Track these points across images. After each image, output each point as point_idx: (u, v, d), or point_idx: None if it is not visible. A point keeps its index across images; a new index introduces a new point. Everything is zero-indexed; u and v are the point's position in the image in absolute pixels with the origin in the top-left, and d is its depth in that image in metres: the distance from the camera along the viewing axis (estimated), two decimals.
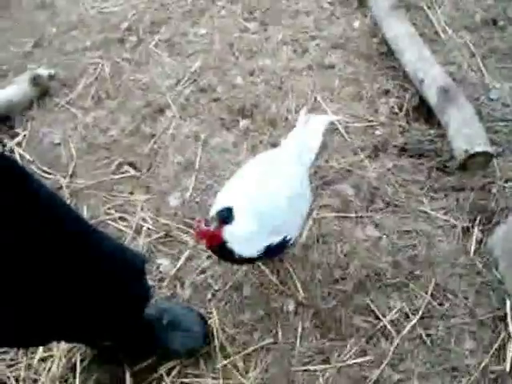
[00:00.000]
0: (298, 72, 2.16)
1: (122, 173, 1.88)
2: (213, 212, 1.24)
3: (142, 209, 1.77)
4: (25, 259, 0.91)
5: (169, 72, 2.21)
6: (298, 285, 1.53)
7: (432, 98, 1.90)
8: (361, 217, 1.67)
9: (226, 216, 1.20)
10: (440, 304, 1.50)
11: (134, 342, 1.36)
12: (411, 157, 1.82)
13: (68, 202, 1.79)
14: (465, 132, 1.74)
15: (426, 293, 1.51)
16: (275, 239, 1.30)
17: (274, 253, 1.37)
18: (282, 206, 1.31)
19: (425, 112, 1.95)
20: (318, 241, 1.62)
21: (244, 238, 1.23)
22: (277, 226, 1.30)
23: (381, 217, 1.67)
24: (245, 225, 1.22)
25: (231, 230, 1.20)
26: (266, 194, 1.31)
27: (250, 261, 1.37)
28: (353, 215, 1.68)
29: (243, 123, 1.99)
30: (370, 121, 1.94)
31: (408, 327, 1.45)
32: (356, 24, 2.33)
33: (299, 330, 1.46)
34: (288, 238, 1.34)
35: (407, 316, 1.48)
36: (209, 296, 1.55)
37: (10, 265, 0.89)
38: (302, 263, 1.58)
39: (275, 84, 2.12)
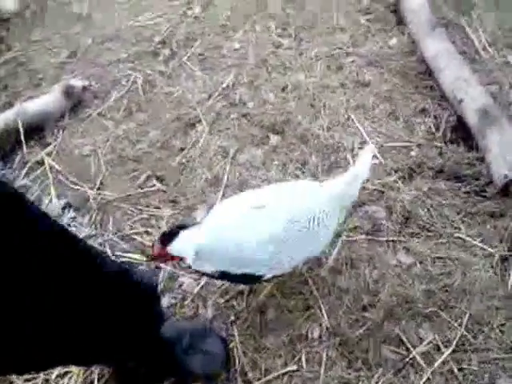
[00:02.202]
0: (332, 89, 2.12)
1: (150, 186, 1.86)
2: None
3: (167, 223, 1.74)
4: (26, 286, 0.88)
5: (201, 86, 2.19)
6: (324, 310, 1.47)
7: (471, 118, 1.83)
8: (393, 241, 1.60)
9: (167, 238, 1.28)
10: (474, 337, 1.42)
11: (153, 363, 1.31)
12: (448, 180, 1.74)
13: (94, 214, 1.78)
14: (505, 156, 1.66)
15: (460, 325, 1.43)
16: (235, 270, 1.30)
17: (236, 280, 1.41)
18: (251, 244, 1.28)
19: (463, 133, 1.87)
20: (346, 264, 1.56)
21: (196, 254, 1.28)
22: (237, 259, 1.29)
23: (414, 242, 1.60)
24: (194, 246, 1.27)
25: (176, 246, 1.28)
26: (240, 227, 1.29)
27: (218, 277, 1.36)
28: (384, 239, 1.61)
29: (273, 140, 1.95)
30: (405, 141, 1.87)
31: (439, 360, 1.38)
32: (393, 41, 2.28)
33: (324, 358, 1.39)
34: (258, 274, 1.32)
35: (439, 348, 1.40)
36: (231, 317, 1.50)
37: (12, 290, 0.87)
38: (329, 287, 1.51)
39: (308, 101, 2.07)
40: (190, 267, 1.33)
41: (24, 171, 1.96)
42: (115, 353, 1.16)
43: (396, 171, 1.77)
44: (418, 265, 1.54)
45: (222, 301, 1.54)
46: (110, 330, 1.07)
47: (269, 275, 1.36)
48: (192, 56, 2.33)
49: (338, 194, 1.37)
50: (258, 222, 1.29)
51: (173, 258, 1.31)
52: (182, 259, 1.31)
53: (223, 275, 1.33)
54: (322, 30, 2.42)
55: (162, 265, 1.62)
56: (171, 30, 2.45)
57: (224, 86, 2.17)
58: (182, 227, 1.29)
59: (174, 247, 1.28)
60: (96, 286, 1.02)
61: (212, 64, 2.29)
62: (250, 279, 1.37)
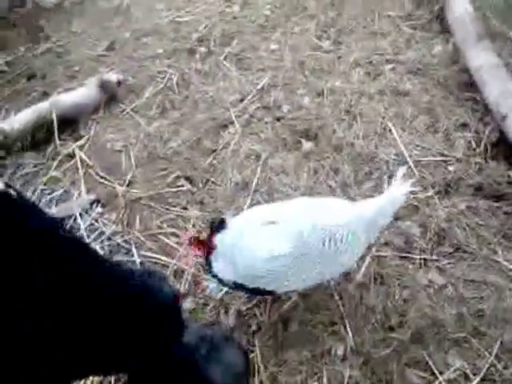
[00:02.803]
0: (370, 96, 2.06)
1: (178, 186, 1.84)
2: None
3: (193, 225, 1.71)
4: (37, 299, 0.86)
5: (236, 86, 2.16)
6: (349, 327, 1.42)
7: None
8: (425, 259, 1.55)
9: (216, 226, 1.28)
10: (504, 367, 1.35)
11: (171, 370, 1.29)
12: (486, 198, 1.67)
13: (121, 211, 1.77)
14: None
15: (490, 353, 1.36)
16: (248, 284, 1.29)
17: (248, 292, 1.39)
18: (260, 260, 1.25)
19: (505, 150, 1.79)
20: (375, 281, 1.51)
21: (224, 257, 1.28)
22: (248, 275, 1.28)
23: (447, 262, 1.53)
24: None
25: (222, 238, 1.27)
26: (252, 243, 1.27)
27: (234, 287, 1.35)
28: (417, 257, 1.55)
29: (306, 146, 1.91)
30: (443, 155, 1.81)
31: None
32: (436, 50, 2.20)
33: (346, 377, 1.35)
34: (269, 289, 1.30)
35: (466, 376, 1.34)
36: (253, 327, 1.46)
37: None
38: (356, 304, 1.47)
39: (344, 107, 2.02)
40: (211, 272, 1.32)
41: (55, 163, 1.97)
42: (131, 362, 1.14)
43: (433, 187, 1.71)
44: (450, 287, 1.48)
45: (244, 309, 1.50)
46: (126, 341, 1.04)
47: (280, 291, 1.34)
48: (229, 55, 2.31)
49: (368, 217, 1.31)
50: (270, 238, 1.26)
51: (211, 247, 1.29)
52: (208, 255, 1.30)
53: (239, 286, 1.32)
54: (363, 35, 2.36)
55: (186, 266, 1.60)
56: (209, 27, 2.43)
57: (259, 87, 2.14)
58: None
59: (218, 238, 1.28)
60: (108, 299, 0.99)
61: (248, 65, 2.26)
62: (264, 292, 1.34)
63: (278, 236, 1.26)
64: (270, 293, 1.34)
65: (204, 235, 1.30)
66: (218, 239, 1.28)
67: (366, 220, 1.30)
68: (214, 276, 1.33)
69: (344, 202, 1.39)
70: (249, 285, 1.30)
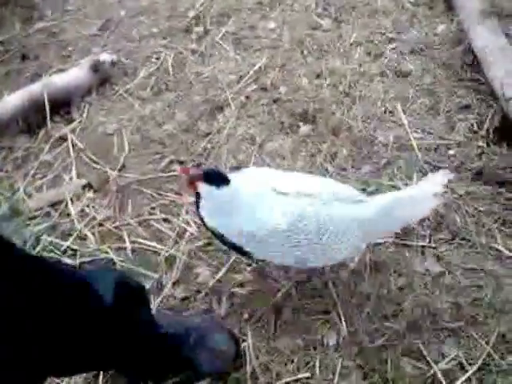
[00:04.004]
0: (370, 77, 2.00)
1: (172, 171, 1.80)
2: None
3: (187, 212, 1.68)
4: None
5: (232, 67, 2.10)
6: (343, 316, 1.39)
7: None
8: (422, 246, 1.51)
9: (208, 177, 1.22)
10: (501, 357, 1.31)
11: (158, 360, 1.27)
12: (487, 184, 1.62)
13: (113, 196, 1.74)
14: None
15: (487, 343, 1.33)
16: (230, 238, 1.27)
17: (225, 244, 1.33)
18: (263, 230, 1.22)
19: (508, 134, 1.73)
20: (370, 268, 1.47)
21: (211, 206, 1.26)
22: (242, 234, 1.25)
23: (445, 249, 1.49)
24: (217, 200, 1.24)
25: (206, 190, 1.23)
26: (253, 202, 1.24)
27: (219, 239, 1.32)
28: (413, 243, 1.51)
29: (304, 129, 1.86)
30: (444, 138, 1.75)
31: (462, 379, 1.28)
32: (440, 29, 2.13)
33: (339, 367, 1.32)
34: (247, 250, 1.28)
35: (462, 366, 1.31)
36: (245, 315, 1.44)
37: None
38: (351, 292, 1.43)
39: (343, 89, 1.96)
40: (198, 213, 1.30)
41: (47, 146, 1.93)
42: (105, 360, 1.11)
43: (432, 171, 1.66)
44: (448, 275, 1.44)
45: (238, 297, 1.48)
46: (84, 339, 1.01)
47: (256, 256, 1.31)
48: (225, 35, 2.24)
49: (367, 217, 1.26)
50: (280, 209, 1.22)
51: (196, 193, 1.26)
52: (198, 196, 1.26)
53: (219, 236, 1.29)
54: (364, 12, 2.28)
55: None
56: (206, 5, 2.36)
57: (256, 68, 2.08)
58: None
59: (206, 189, 1.24)
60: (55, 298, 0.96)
61: (245, 44, 2.19)
62: (241, 252, 1.31)
63: (287, 209, 1.22)
64: (246, 254, 1.31)
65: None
66: (205, 190, 1.24)
67: (364, 219, 1.26)
68: (201, 218, 1.30)
69: (356, 192, 1.33)
70: (231, 240, 1.28)
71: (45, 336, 0.92)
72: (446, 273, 1.45)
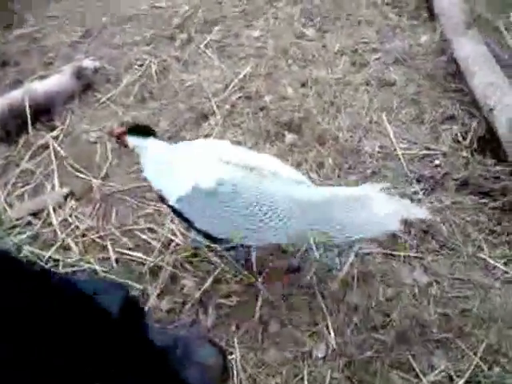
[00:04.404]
0: (355, 87, 2.00)
1: None
2: None
3: (171, 221, 1.65)
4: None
5: (217, 75, 2.09)
6: (332, 328, 1.38)
7: (501, 129, 1.71)
8: (409, 256, 1.50)
9: (132, 130, 1.33)
10: (489, 368, 1.31)
11: (145, 373, 1.24)
12: (472, 194, 1.63)
13: (97, 205, 1.70)
14: None
15: (475, 354, 1.33)
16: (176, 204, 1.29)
17: (177, 216, 1.37)
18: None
19: (492, 144, 1.75)
20: (358, 279, 1.46)
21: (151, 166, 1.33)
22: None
23: (432, 259, 1.49)
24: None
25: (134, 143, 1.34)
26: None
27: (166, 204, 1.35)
28: (401, 254, 1.51)
29: (289, 137, 1.85)
30: (429, 148, 1.76)
31: None
32: (423, 39, 2.15)
33: (327, 379, 1.30)
34: (187, 217, 1.30)
35: (451, 378, 1.30)
36: (232, 327, 1.41)
37: None
38: (339, 303, 1.42)
39: (328, 98, 1.96)
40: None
41: (29, 154, 1.88)
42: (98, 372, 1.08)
43: (418, 181, 1.66)
44: (435, 285, 1.44)
45: (224, 308, 1.45)
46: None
47: (198, 225, 1.32)
48: (210, 42, 2.23)
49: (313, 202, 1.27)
50: (210, 170, 1.26)
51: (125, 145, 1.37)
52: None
53: (163, 200, 1.33)
54: (348, 22, 2.30)
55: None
56: (190, 13, 2.34)
57: (241, 76, 2.07)
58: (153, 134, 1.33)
59: (133, 141, 1.33)
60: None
61: (230, 52, 2.18)
62: (182, 218, 1.34)
63: (224, 177, 1.24)
64: (187, 220, 1.33)
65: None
66: (133, 142, 1.34)
67: (303, 201, 1.27)
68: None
69: (304, 178, 1.36)
70: (172, 204, 1.30)
71: (46, 346, 0.89)
72: (434, 283, 1.45)
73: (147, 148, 1.32)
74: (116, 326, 1.06)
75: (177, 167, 1.29)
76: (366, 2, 2.37)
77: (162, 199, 1.33)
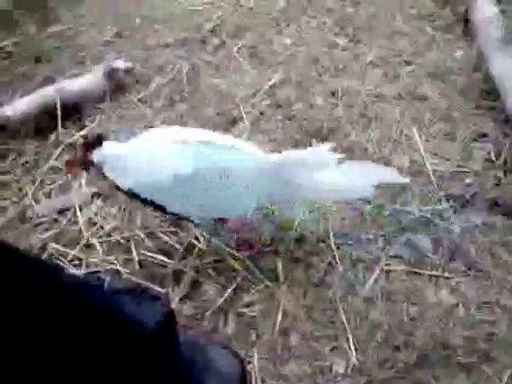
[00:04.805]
0: (386, 99, 1.98)
1: None
2: None
3: (195, 225, 1.64)
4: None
5: (247, 81, 2.08)
6: (353, 344, 1.36)
7: None
8: (436, 276, 1.47)
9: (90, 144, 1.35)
10: None
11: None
12: (504, 215, 1.59)
13: (123, 206, 1.71)
14: None
15: (500, 379, 1.29)
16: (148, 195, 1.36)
17: (141, 201, 1.41)
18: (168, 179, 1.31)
19: None
20: (382, 296, 1.44)
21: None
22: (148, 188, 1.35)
23: (459, 281, 1.46)
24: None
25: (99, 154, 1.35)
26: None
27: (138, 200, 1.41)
28: (427, 273, 1.48)
29: None
30: (460, 166, 1.73)
31: None
32: (458, 54, 2.11)
33: None
34: (159, 204, 1.36)
35: None
36: (252, 337, 1.40)
37: None
38: (361, 319, 1.40)
39: (358, 109, 1.94)
40: (105, 177, 1.38)
41: (57, 152, 1.90)
42: None
43: (448, 199, 1.63)
44: (461, 307, 1.41)
45: (245, 317, 1.44)
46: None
47: (170, 210, 1.38)
48: (241, 48, 2.22)
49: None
50: (177, 156, 1.31)
51: (90, 163, 1.37)
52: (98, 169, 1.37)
53: (134, 195, 1.38)
54: (382, 33, 2.27)
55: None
56: (223, 18, 2.35)
57: (271, 83, 2.06)
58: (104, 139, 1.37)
59: (97, 154, 1.34)
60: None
61: (261, 59, 2.17)
62: (155, 206, 1.40)
63: (185, 156, 1.30)
64: (160, 207, 1.39)
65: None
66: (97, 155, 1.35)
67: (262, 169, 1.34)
68: (115, 186, 1.39)
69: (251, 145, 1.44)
70: (145, 196, 1.35)
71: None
72: (460, 305, 1.41)
73: (108, 154, 1.35)
74: (151, 342, 1.02)
75: (143, 161, 1.34)
76: (400, 13, 2.34)
77: (134, 195, 1.38)
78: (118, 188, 1.41)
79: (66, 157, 1.45)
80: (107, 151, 1.35)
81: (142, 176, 1.33)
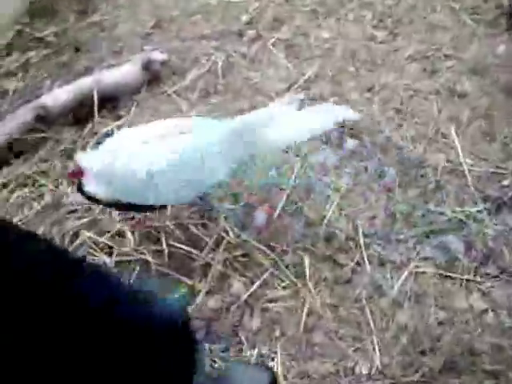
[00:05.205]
0: (423, 95, 1.93)
1: None
2: None
3: (225, 218, 1.66)
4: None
5: (282, 75, 2.07)
6: (377, 346, 1.34)
7: None
8: (467, 280, 1.44)
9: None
10: None
11: None
12: None
13: None
14: None
15: None
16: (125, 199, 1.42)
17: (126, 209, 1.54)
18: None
19: None
20: (410, 298, 1.42)
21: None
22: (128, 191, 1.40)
23: (491, 285, 1.42)
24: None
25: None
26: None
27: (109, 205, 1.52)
28: (458, 276, 1.45)
29: (350, 143, 1.81)
30: (499, 167, 1.67)
31: None
32: (501, 49, 2.03)
33: None
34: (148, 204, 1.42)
35: None
36: (276, 333, 1.41)
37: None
38: (388, 321, 1.38)
39: (394, 105, 1.90)
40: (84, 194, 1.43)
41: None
42: None
43: (483, 200, 1.59)
44: (491, 313, 1.37)
45: (270, 312, 1.45)
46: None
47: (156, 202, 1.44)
48: (277, 41, 2.21)
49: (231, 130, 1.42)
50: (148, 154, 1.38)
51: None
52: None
53: (114, 204, 1.46)
54: (421, 27, 2.21)
55: None
56: (260, 10, 2.33)
57: (306, 77, 2.04)
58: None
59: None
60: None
61: (297, 52, 2.15)
62: (142, 208, 1.49)
63: (156, 152, 1.36)
64: (150, 208, 1.48)
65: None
66: (84, 160, 1.40)
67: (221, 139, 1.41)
68: (89, 198, 1.44)
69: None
70: (126, 200, 1.41)
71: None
72: (490, 311, 1.38)
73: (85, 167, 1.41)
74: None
75: (117, 167, 1.37)
76: (442, 6, 2.27)
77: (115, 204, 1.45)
78: (97, 201, 1.47)
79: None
80: (84, 164, 1.40)
81: (119, 182, 1.38)
